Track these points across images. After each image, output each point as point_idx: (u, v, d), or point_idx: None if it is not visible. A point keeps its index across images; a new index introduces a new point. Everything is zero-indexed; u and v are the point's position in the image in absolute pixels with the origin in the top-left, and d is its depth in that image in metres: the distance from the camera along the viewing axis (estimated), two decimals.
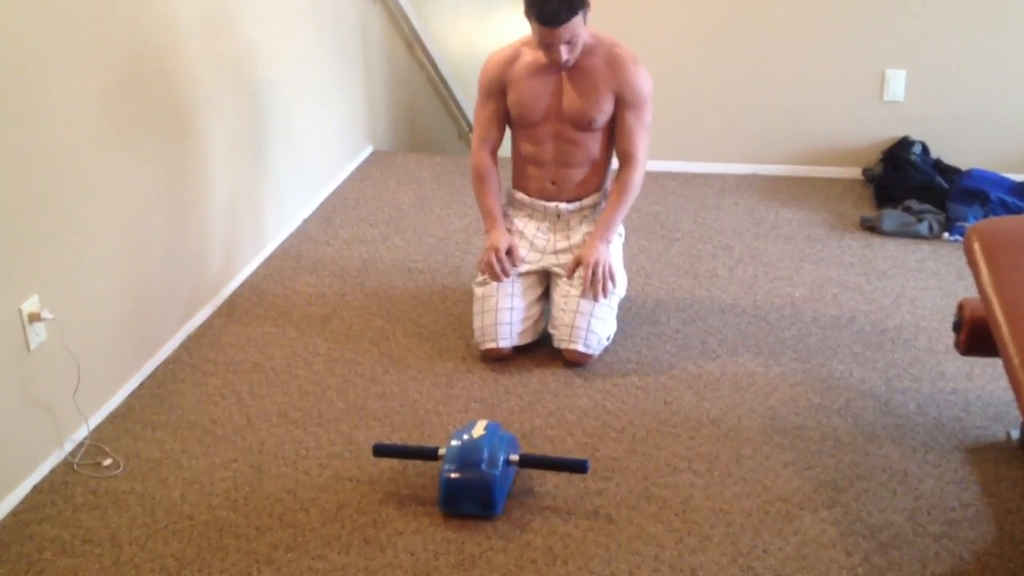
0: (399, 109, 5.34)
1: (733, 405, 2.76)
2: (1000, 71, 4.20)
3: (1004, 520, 2.29)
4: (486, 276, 3.01)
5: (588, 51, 2.92)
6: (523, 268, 3.03)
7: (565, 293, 2.97)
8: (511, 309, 2.96)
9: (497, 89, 3.01)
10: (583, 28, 2.83)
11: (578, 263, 2.96)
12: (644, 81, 2.96)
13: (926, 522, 2.28)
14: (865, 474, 2.45)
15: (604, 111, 2.95)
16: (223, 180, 3.42)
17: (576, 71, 2.94)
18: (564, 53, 2.83)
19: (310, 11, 4.15)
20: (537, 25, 2.79)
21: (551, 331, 2.99)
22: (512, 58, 2.99)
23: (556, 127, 2.99)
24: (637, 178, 3.00)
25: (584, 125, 2.97)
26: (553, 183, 3.05)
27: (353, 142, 4.74)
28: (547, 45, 2.83)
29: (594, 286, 2.92)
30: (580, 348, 2.90)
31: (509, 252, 2.99)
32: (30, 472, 2.47)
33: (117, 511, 2.38)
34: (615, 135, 3.02)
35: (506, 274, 2.97)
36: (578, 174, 3.03)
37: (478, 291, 3.02)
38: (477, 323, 2.99)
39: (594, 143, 3.01)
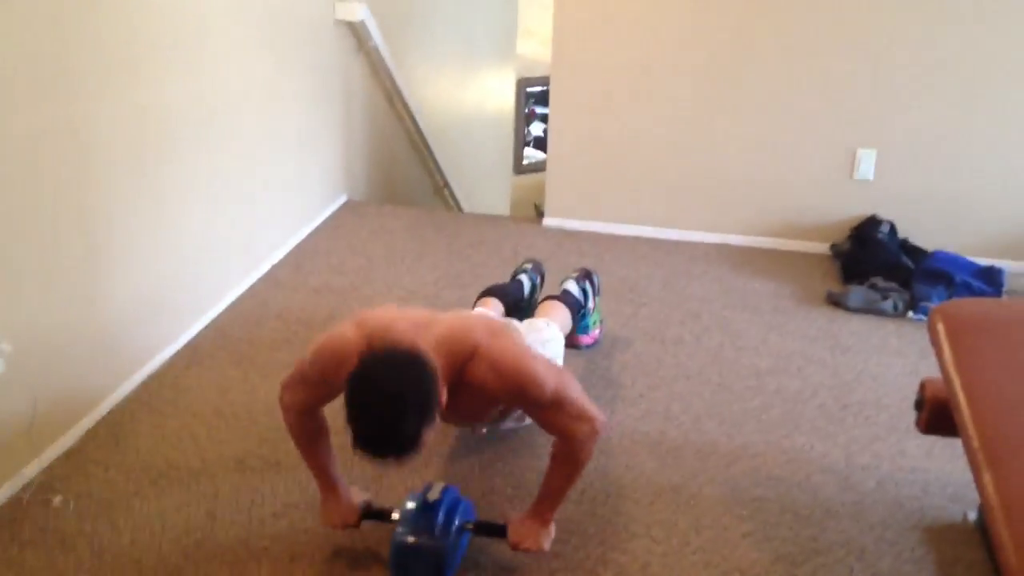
0: (376, 160, 5.36)
1: (694, 473, 2.75)
2: (969, 155, 4.28)
3: None
4: None
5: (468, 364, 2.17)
6: None
7: None
8: None
9: (331, 387, 2.20)
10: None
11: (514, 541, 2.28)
12: (533, 382, 2.15)
13: None
14: (823, 549, 2.45)
15: (504, 406, 2.48)
16: (192, 221, 3.40)
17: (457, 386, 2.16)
18: None
19: (292, 58, 4.18)
20: None
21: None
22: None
23: (445, 426, 2.67)
24: (576, 447, 2.23)
25: (482, 420, 2.58)
26: None
27: (327, 190, 4.74)
28: None
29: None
30: None
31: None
32: None
33: (64, 552, 2.32)
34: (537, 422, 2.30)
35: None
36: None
37: None
38: None
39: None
